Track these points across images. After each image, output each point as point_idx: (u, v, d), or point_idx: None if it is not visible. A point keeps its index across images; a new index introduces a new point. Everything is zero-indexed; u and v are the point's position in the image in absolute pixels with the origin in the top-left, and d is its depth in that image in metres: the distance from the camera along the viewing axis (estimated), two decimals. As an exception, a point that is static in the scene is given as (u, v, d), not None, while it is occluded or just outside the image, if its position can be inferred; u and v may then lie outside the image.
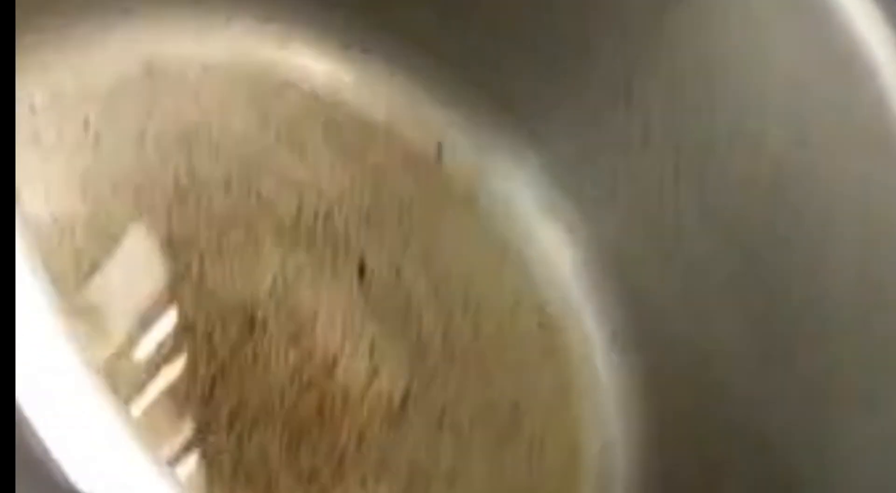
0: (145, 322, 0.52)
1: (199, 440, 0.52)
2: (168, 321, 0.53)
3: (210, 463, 0.52)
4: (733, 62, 0.54)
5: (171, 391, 0.52)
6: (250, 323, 0.54)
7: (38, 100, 0.52)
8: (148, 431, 0.51)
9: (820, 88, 0.51)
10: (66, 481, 0.27)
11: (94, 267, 0.52)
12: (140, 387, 0.51)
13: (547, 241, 0.62)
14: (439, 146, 0.61)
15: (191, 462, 0.52)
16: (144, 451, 0.28)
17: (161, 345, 0.52)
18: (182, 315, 0.53)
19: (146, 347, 0.52)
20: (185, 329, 0.53)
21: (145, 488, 0.27)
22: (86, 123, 0.53)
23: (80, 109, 0.53)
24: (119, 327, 0.51)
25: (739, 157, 0.54)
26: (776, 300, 0.54)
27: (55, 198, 0.52)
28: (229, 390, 0.53)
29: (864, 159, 0.50)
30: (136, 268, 0.53)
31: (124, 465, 0.27)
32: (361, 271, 0.58)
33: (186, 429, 0.52)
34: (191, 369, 0.52)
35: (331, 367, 0.55)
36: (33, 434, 0.27)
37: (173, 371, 0.52)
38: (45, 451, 0.27)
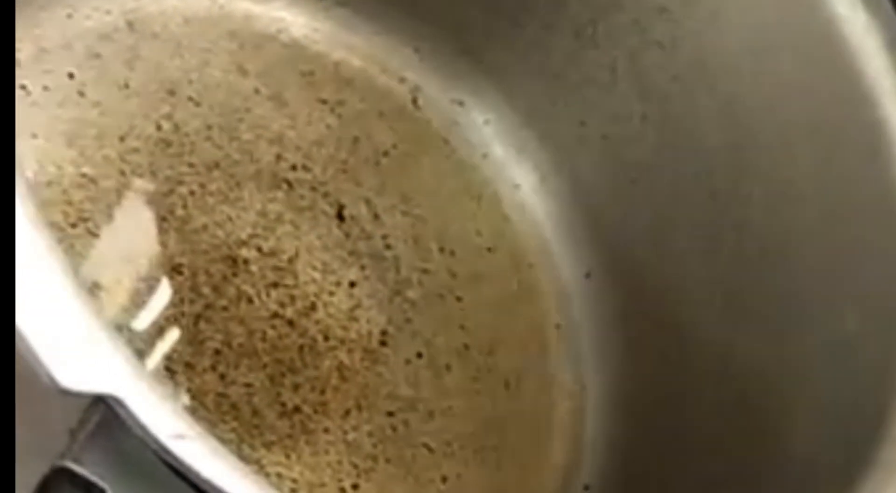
0: (142, 293, 0.53)
1: (186, 379, 0.53)
2: (164, 292, 0.54)
3: (196, 399, 0.53)
4: (694, 3, 0.55)
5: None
6: (233, 264, 0.56)
7: (24, 54, 0.54)
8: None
9: (776, 23, 0.53)
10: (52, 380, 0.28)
11: (81, 215, 0.53)
12: (140, 357, 0.53)
13: (521, 183, 0.64)
14: (415, 94, 0.63)
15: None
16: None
17: (158, 315, 0.54)
18: (167, 257, 0.54)
19: (144, 318, 0.53)
20: (171, 270, 0.54)
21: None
22: (70, 76, 0.55)
23: (64, 63, 0.55)
24: (117, 299, 0.53)
25: (701, 93, 0.56)
26: (740, 232, 0.56)
27: (42, 147, 0.53)
28: (213, 330, 0.54)
29: (815, 82, 0.52)
30: (131, 243, 0.54)
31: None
32: (340, 214, 0.59)
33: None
34: (176, 308, 0.54)
35: (311, 307, 0.57)
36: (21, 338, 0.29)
37: (170, 340, 0.54)
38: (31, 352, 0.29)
